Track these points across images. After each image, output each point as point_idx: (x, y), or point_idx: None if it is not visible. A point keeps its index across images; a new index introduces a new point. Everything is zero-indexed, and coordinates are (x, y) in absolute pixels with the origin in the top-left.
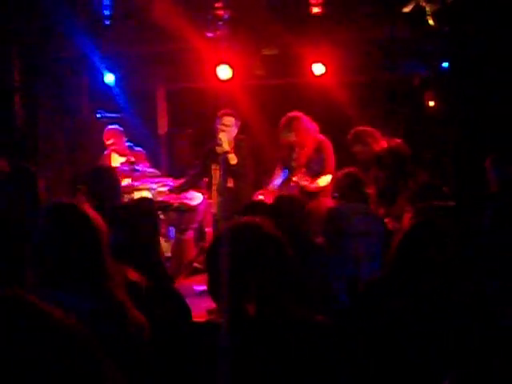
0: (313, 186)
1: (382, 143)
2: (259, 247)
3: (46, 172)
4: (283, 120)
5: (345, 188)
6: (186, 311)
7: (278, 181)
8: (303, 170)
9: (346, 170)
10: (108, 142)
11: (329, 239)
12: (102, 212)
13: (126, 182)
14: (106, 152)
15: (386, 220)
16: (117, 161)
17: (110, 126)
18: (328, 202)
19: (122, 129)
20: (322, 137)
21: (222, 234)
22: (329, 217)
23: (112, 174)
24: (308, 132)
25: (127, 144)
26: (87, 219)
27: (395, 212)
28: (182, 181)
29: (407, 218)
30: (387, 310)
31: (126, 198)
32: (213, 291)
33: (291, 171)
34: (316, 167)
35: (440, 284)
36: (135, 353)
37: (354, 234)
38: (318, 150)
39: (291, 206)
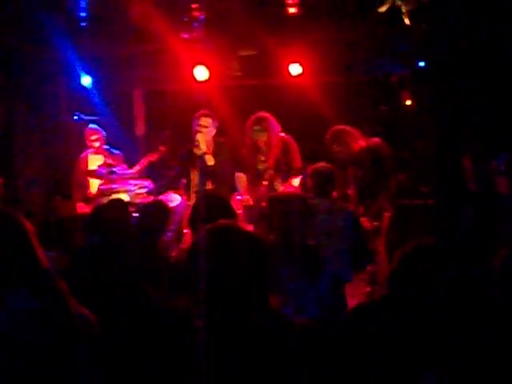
0: (288, 188)
1: (361, 142)
2: (238, 250)
3: (22, 174)
4: (253, 120)
5: (311, 185)
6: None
7: (243, 184)
8: (271, 172)
9: (314, 167)
10: (93, 138)
11: None
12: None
13: (103, 184)
14: (82, 154)
15: (364, 219)
16: (94, 163)
17: (91, 125)
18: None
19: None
20: (284, 136)
21: (199, 240)
22: None
23: None
24: (276, 132)
25: (105, 147)
26: (14, 223)
27: (374, 211)
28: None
29: (387, 217)
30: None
31: (105, 200)
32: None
33: (258, 175)
34: (284, 168)
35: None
36: (85, 346)
37: (316, 233)
38: (285, 150)
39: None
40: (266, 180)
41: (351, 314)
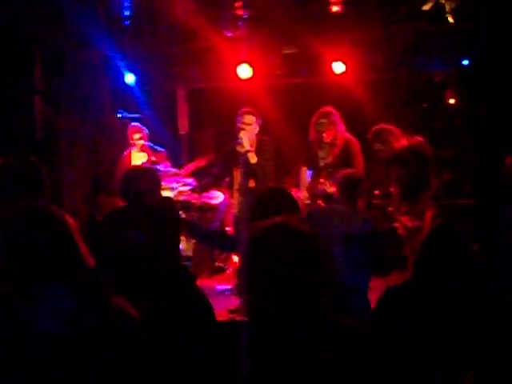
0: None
1: (403, 141)
2: (289, 248)
3: (67, 172)
4: (319, 114)
5: (338, 190)
6: (209, 310)
7: (305, 181)
8: (330, 170)
9: (344, 171)
10: (136, 137)
11: None
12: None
13: None
14: (126, 152)
15: (406, 217)
16: (138, 160)
17: (134, 123)
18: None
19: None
20: (349, 136)
21: (260, 234)
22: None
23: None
24: (340, 129)
25: (148, 144)
26: (56, 220)
27: (417, 210)
28: (204, 180)
29: (429, 217)
30: (412, 314)
31: None
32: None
33: (318, 171)
34: (343, 168)
35: (464, 285)
36: (124, 343)
37: (329, 238)
38: (346, 149)
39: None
40: (322, 178)
41: (380, 301)
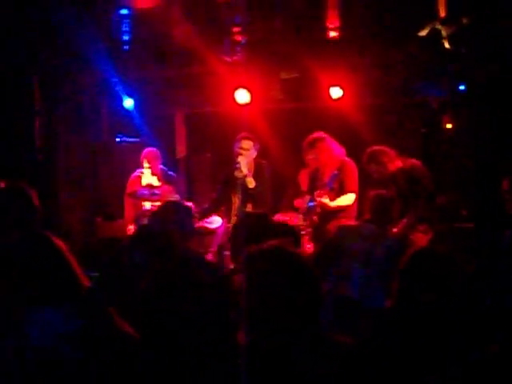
0: (333, 204)
1: (397, 163)
2: (282, 272)
3: (64, 195)
4: (307, 140)
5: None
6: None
7: (303, 209)
8: (326, 188)
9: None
10: (145, 165)
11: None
12: None
13: (146, 205)
14: (136, 172)
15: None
16: (146, 182)
17: (149, 148)
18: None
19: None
20: (344, 159)
21: (245, 260)
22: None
23: None
24: (331, 152)
25: (161, 167)
26: (55, 246)
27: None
28: (205, 206)
29: (421, 238)
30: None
31: (146, 220)
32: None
33: (315, 191)
34: (337, 187)
35: (450, 307)
36: (125, 361)
37: (348, 255)
38: (340, 169)
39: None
40: (320, 195)
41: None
